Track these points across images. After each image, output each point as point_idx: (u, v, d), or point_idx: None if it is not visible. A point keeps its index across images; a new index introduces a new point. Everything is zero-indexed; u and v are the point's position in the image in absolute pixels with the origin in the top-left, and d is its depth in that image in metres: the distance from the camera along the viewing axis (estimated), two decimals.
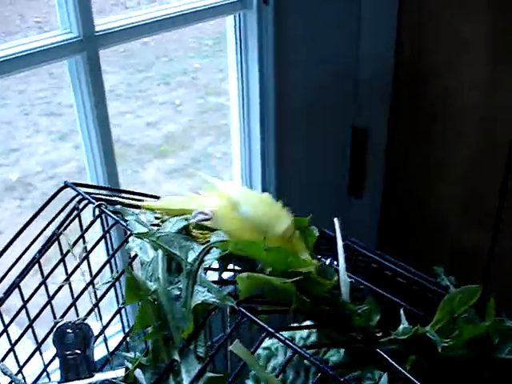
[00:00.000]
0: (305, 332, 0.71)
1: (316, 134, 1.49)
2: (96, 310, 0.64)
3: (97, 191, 0.81)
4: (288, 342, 0.55)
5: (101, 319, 0.66)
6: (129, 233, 0.64)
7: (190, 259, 0.61)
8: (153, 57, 4.11)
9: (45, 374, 0.69)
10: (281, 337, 0.55)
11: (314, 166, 1.29)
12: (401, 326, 0.66)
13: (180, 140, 3.56)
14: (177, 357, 0.58)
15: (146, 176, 3.22)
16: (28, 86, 3.61)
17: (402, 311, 0.67)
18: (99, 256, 0.82)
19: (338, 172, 1.62)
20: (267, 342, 0.73)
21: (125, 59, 4.02)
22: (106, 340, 0.65)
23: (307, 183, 1.46)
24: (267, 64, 1.27)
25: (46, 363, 0.66)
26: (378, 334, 0.66)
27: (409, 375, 0.60)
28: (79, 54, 0.96)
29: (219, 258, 0.63)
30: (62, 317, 0.66)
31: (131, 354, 0.60)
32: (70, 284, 0.68)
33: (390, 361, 0.61)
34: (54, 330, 0.61)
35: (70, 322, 0.61)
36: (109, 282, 0.64)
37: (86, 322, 0.64)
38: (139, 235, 0.64)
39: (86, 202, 0.76)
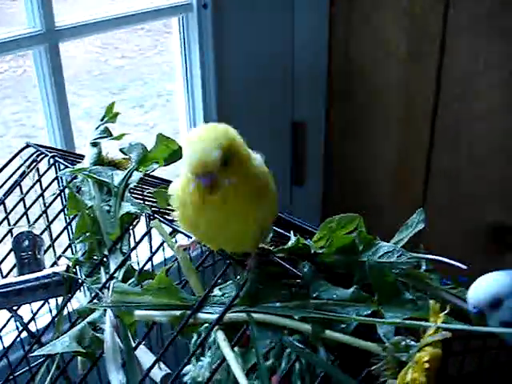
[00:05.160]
0: None
1: (258, 130, 1.66)
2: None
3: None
4: None
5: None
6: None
7: (115, 183, 0.79)
8: (127, 80, 4.29)
9: None
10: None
11: None
12: (289, 242, 0.83)
13: None
14: (106, 252, 0.75)
15: None
16: (2, 109, 3.74)
17: (291, 233, 0.84)
18: None
19: (281, 164, 1.80)
20: None
21: (100, 82, 4.20)
22: (53, 247, 0.82)
23: None
24: (208, 62, 1.45)
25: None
26: (271, 248, 0.83)
27: (293, 269, 0.77)
28: (42, 45, 1.15)
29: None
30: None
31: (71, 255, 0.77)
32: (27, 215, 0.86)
33: (281, 262, 0.78)
34: (14, 236, 0.78)
35: (25, 231, 0.79)
36: (54, 194, 0.82)
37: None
38: (75, 170, 0.82)
39: (43, 155, 0.94)
